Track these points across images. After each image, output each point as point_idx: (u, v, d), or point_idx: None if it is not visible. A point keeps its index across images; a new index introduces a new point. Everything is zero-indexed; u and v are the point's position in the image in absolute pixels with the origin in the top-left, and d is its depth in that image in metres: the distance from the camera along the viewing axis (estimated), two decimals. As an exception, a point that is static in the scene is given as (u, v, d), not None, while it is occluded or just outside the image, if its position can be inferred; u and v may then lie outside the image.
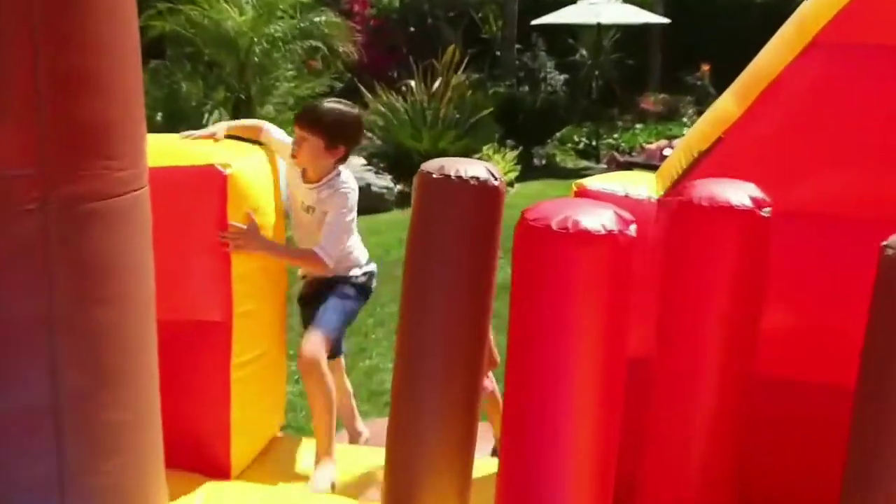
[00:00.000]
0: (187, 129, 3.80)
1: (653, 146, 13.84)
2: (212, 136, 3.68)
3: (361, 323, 6.74)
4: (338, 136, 3.64)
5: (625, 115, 16.75)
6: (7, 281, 2.29)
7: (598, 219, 2.52)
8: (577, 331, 2.52)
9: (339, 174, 3.70)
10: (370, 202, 11.02)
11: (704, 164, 3.28)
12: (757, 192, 2.76)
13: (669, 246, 2.81)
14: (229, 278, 3.47)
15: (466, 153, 11.55)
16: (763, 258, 2.77)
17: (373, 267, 3.89)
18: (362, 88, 12.88)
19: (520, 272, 2.60)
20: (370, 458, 3.77)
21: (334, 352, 3.89)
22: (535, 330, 2.56)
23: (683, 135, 9.43)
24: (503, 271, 2.72)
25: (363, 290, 3.86)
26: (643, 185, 3.44)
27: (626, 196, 3.32)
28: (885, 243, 2.34)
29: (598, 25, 15.93)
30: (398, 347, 2.94)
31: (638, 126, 16.01)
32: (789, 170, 3.22)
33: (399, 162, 11.84)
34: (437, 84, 12.68)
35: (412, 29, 17.13)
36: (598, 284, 2.51)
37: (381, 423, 3.32)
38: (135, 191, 2.48)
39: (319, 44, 10.94)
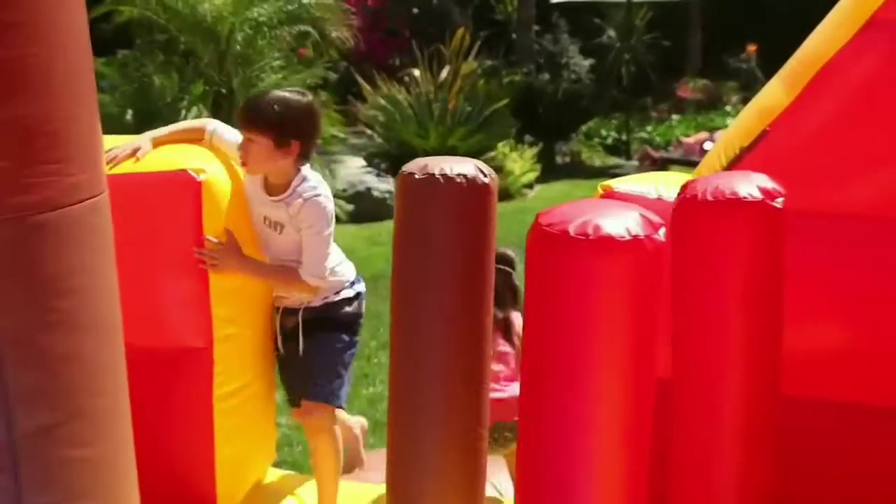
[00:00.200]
0: (164, 127, 3.76)
1: (691, 140, 13.84)
2: (133, 156, 3.53)
3: (363, 346, 6.75)
4: (287, 131, 3.51)
5: (659, 104, 16.75)
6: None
7: (621, 222, 2.53)
8: (600, 350, 2.53)
9: (304, 179, 3.58)
10: (371, 208, 11.07)
11: (747, 160, 3.30)
12: (768, 182, 2.75)
13: (677, 249, 2.80)
14: (208, 298, 3.49)
15: (479, 151, 11.58)
16: (779, 253, 2.76)
17: (362, 287, 3.83)
18: (360, 79, 12.93)
19: (534, 284, 2.61)
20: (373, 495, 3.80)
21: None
22: (552, 350, 2.57)
23: (727, 126, 9.43)
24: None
25: (356, 322, 3.79)
26: (678, 187, 3.44)
27: (659, 199, 3.33)
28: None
29: (629, 2, 15.97)
30: (392, 374, 2.97)
31: (674, 117, 16.01)
32: (843, 167, 3.23)
33: (403, 162, 11.65)
34: (444, 73, 12.71)
35: (415, 10, 17.18)
36: (623, 297, 2.52)
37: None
38: (90, 199, 2.47)
39: (310, 29, 10.97)
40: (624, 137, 15.28)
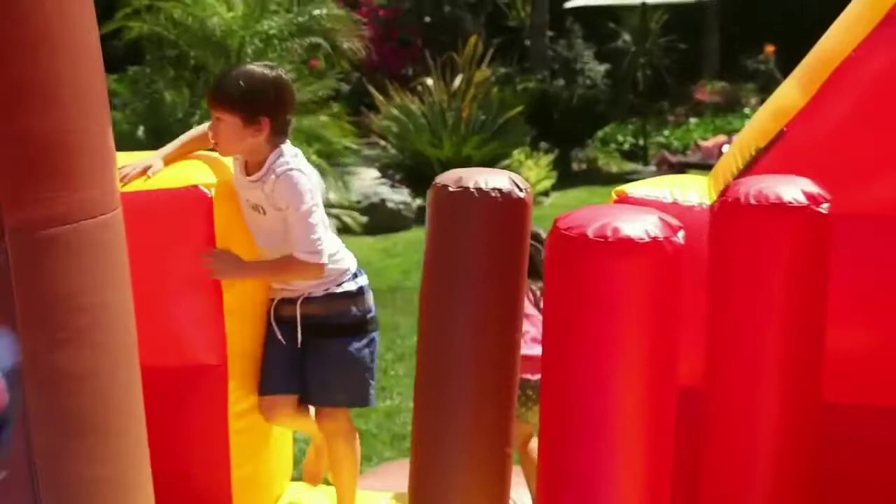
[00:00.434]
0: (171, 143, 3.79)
1: (710, 143, 13.84)
2: (144, 174, 3.48)
3: (379, 358, 6.76)
4: (255, 108, 3.38)
5: (677, 108, 16.75)
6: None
7: (640, 225, 2.53)
8: (620, 353, 2.53)
9: (280, 155, 3.44)
10: (386, 219, 11.10)
11: (764, 162, 3.29)
12: (812, 187, 2.74)
13: (715, 255, 2.79)
14: (221, 315, 3.50)
15: (494, 160, 11.61)
16: (824, 260, 2.76)
17: (365, 280, 3.68)
18: (372, 90, 12.97)
19: (553, 289, 2.61)
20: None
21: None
22: (572, 355, 2.58)
23: (744, 129, 9.30)
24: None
25: (365, 322, 3.66)
26: (695, 190, 3.44)
27: (675, 203, 3.32)
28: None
29: (643, 5, 15.97)
30: (418, 386, 2.97)
31: (692, 120, 16.01)
32: (862, 166, 3.22)
33: (417, 173, 11.89)
34: (457, 81, 12.74)
35: (427, 19, 17.23)
36: (642, 299, 2.52)
37: (404, 466, 3.35)
38: (102, 215, 2.48)
39: (321, 40, 11.02)
40: (641, 142, 15.27)
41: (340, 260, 3.60)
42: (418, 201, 11.50)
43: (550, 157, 13.13)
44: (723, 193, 2.82)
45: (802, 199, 2.70)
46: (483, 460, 2.88)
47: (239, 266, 3.50)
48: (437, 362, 2.89)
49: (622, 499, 2.60)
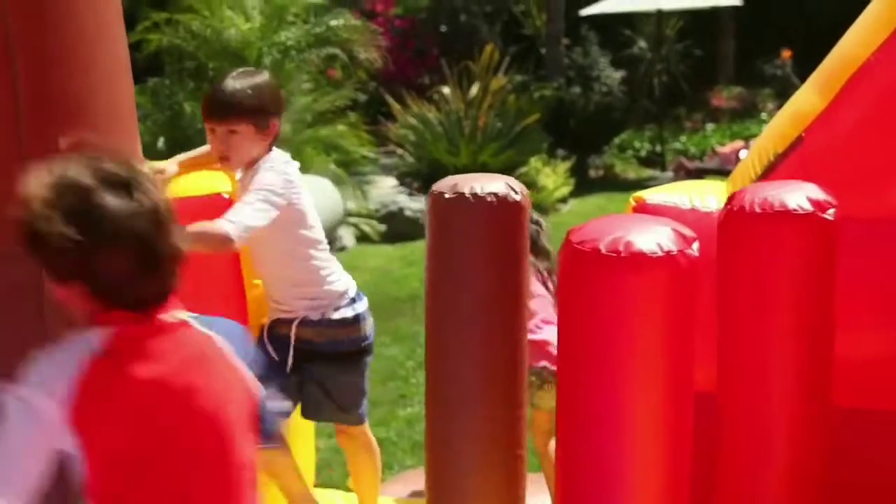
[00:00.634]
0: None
1: (727, 149, 13.79)
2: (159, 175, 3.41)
3: (400, 366, 6.79)
4: (266, 112, 3.41)
5: (693, 114, 16.70)
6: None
7: (653, 238, 2.52)
8: (636, 368, 2.52)
9: (269, 155, 3.43)
10: (404, 228, 11.11)
11: (782, 167, 3.28)
12: (819, 193, 2.73)
13: (722, 263, 2.78)
14: (247, 323, 3.51)
15: (511, 167, 11.60)
16: (831, 267, 2.75)
17: (363, 306, 3.58)
18: (389, 99, 13.00)
19: (566, 303, 2.61)
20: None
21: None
22: (587, 369, 2.57)
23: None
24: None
25: (362, 350, 3.60)
26: (713, 195, 3.44)
27: (693, 209, 3.32)
28: None
29: (659, 12, 15.95)
30: (428, 392, 2.97)
31: (709, 126, 15.96)
32: (882, 171, 3.21)
33: (435, 181, 11.81)
34: (474, 90, 12.76)
35: (443, 28, 17.26)
36: (657, 313, 2.51)
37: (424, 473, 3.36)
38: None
39: (338, 51, 11.06)
40: (658, 149, 15.24)
41: (337, 282, 3.52)
42: (436, 209, 11.50)
43: (567, 164, 13.12)
44: (728, 202, 2.82)
45: (808, 206, 2.69)
46: (494, 463, 2.88)
47: None
48: (443, 368, 2.90)
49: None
